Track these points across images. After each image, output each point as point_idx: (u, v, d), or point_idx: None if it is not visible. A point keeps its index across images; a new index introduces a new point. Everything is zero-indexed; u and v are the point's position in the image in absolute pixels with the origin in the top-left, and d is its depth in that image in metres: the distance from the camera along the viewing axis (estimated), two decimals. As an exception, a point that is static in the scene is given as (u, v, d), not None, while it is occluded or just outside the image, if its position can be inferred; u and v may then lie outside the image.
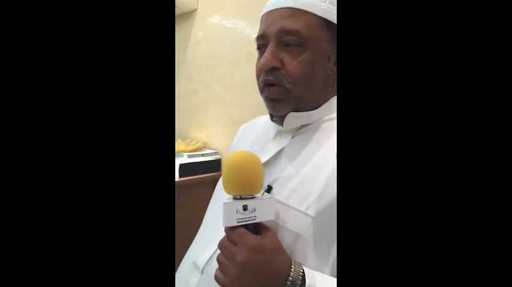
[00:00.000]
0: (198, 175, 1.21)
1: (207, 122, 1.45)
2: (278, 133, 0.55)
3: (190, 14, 1.49)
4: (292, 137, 0.53)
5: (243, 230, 0.41)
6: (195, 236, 0.62)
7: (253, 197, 0.43)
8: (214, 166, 1.27)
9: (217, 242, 0.44)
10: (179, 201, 1.19)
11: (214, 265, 0.43)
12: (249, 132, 0.68)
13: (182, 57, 1.56)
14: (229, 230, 0.42)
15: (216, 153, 1.34)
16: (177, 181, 1.16)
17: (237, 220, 0.41)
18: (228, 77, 1.33)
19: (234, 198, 0.43)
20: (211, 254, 0.49)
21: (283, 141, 0.53)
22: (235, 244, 0.41)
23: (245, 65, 1.25)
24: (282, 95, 0.49)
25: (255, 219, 0.42)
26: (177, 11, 1.49)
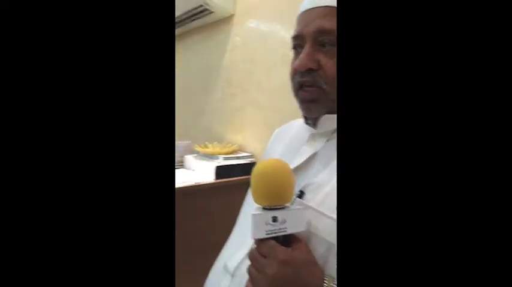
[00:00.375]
0: (233, 177, 1.21)
1: (243, 126, 1.46)
2: (312, 136, 0.53)
3: (228, 19, 1.51)
4: (327, 140, 0.50)
5: (272, 242, 0.39)
6: (226, 238, 0.62)
7: (283, 208, 0.41)
8: (249, 168, 1.27)
9: (248, 246, 0.43)
10: (214, 202, 1.21)
11: (245, 269, 0.42)
12: (282, 137, 0.66)
13: (220, 61, 1.59)
14: (259, 241, 0.40)
15: (251, 156, 1.34)
16: (213, 183, 1.18)
17: (266, 232, 0.39)
18: (264, 81, 1.33)
19: (264, 208, 0.41)
20: (241, 258, 0.48)
21: (317, 145, 0.51)
22: (265, 256, 0.39)
23: (281, 68, 1.23)
24: (318, 96, 0.47)
25: (285, 231, 0.39)
26: (214, 17, 1.51)
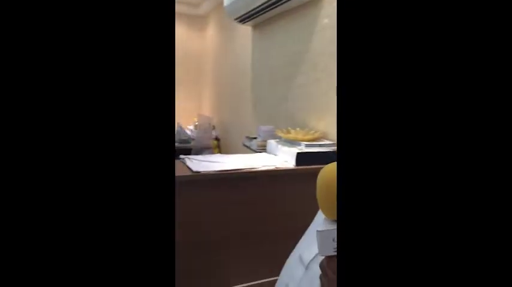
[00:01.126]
0: (314, 164, 1.18)
1: (327, 112, 1.39)
2: None
3: (318, 0, 1.44)
4: None
5: None
6: (304, 226, 0.60)
7: None
8: (331, 157, 1.21)
9: None
10: (293, 189, 1.19)
11: (318, 264, 0.40)
12: None
13: (306, 45, 1.53)
14: (327, 257, 0.36)
15: (333, 144, 1.27)
16: (293, 169, 1.16)
17: (334, 249, 0.34)
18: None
19: (333, 220, 0.36)
20: (316, 252, 0.46)
21: None
22: (334, 272, 0.35)
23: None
24: None
25: None
26: (303, -1, 1.46)
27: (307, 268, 0.46)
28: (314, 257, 0.46)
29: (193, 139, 2.78)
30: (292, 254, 0.56)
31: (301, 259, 0.48)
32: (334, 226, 0.35)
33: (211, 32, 3.07)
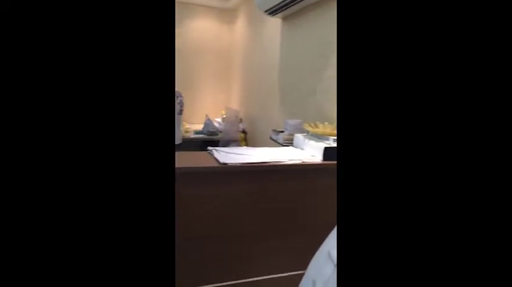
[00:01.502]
0: (342, 160, 1.15)
1: (358, 106, 1.35)
2: None
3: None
4: None
5: None
6: (330, 222, 0.59)
7: None
8: (361, 152, 1.18)
9: None
10: (319, 184, 1.17)
11: None
12: None
13: (335, 37, 1.49)
14: None
15: (364, 139, 1.23)
16: (319, 163, 1.14)
17: None
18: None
19: None
20: None
21: None
22: None
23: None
24: None
25: None
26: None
27: (336, 265, 0.45)
28: None
29: (220, 131, 2.81)
30: (320, 249, 0.55)
31: (330, 256, 0.47)
32: None
33: (240, 24, 3.06)
